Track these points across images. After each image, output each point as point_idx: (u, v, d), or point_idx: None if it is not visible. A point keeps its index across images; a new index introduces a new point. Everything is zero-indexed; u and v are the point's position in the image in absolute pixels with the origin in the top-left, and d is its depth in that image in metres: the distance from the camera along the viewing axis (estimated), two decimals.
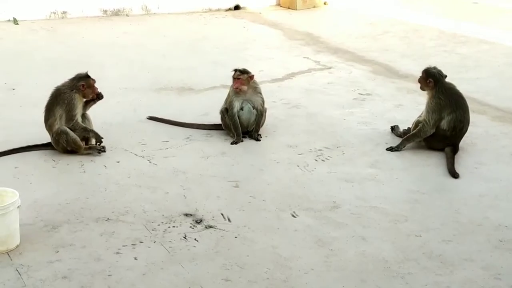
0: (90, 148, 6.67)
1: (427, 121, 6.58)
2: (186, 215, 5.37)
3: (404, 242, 4.99)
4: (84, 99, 6.77)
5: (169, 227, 5.18)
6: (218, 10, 14.81)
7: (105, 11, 14.10)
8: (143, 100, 8.33)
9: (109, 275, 4.52)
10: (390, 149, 6.74)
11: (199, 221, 5.27)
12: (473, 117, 6.89)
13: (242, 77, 7.01)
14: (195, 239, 5.00)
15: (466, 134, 6.71)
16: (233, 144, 6.88)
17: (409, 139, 6.75)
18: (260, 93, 7.13)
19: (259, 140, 6.98)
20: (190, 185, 5.93)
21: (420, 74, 6.78)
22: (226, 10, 14.83)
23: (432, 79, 6.59)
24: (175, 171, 6.22)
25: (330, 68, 10.02)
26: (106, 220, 5.27)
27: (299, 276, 4.54)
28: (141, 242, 4.96)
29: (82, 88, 6.69)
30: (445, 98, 6.55)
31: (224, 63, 10.16)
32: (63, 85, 6.80)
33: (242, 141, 6.94)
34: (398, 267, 4.64)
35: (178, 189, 5.85)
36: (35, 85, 8.91)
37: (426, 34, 12.47)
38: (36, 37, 12.10)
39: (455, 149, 6.55)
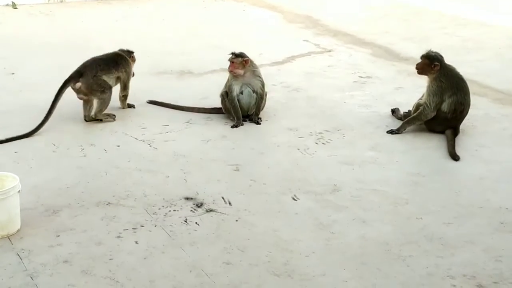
0: (108, 115, 7.11)
1: (428, 104, 6.56)
2: (187, 198, 5.37)
3: (404, 225, 4.99)
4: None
5: (169, 211, 5.17)
6: None
7: None
8: (142, 84, 8.28)
9: (110, 259, 4.52)
10: (391, 132, 6.73)
11: (199, 205, 5.27)
12: (473, 99, 6.87)
13: (236, 60, 6.99)
14: (196, 222, 5.00)
15: (467, 117, 6.70)
16: (234, 127, 6.87)
17: (410, 122, 6.74)
18: (260, 76, 7.10)
19: (259, 124, 6.96)
20: (191, 169, 5.92)
21: (420, 58, 6.73)
22: None
23: (438, 63, 6.55)
24: (176, 155, 6.21)
25: (330, 51, 10.00)
26: (106, 204, 5.27)
27: (300, 259, 4.54)
28: (142, 226, 4.95)
29: (132, 60, 7.49)
30: (446, 80, 6.53)
31: (224, 47, 10.08)
32: (121, 50, 7.52)
33: (242, 124, 6.92)
34: (399, 249, 4.64)
35: (179, 173, 5.84)
36: (34, 70, 8.92)
37: (427, 17, 12.43)
38: (35, 21, 12.07)
39: (455, 132, 6.54)
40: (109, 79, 7.09)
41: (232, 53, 7.09)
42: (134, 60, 7.54)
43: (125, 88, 7.37)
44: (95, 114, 7.00)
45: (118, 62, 7.28)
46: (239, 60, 7.00)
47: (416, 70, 6.77)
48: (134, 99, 7.68)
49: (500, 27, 11.49)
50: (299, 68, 9.08)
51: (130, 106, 7.49)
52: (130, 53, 7.53)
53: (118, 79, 7.26)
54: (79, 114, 7.15)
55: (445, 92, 6.52)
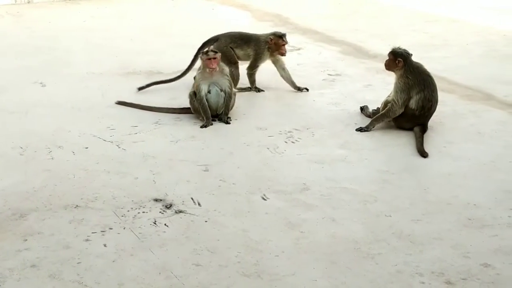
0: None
1: (396, 101, 6.59)
2: (156, 200, 5.34)
3: (374, 223, 5.00)
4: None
5: (138, 212, 5.14)
6: None
7: None
8: (111, 85, 8.26)
9: (78, 263, 4.48)
10: (360, 129, 6.75)
11: (169, 206, 5.24)
12: (441, 96, 6.92)
13: (218, 56, 7.01)
14: (165, 224, 4.98)
15: (435, 113, 6.73)
16: (203, 127, 6.85)
17: (378, 119, 6.76)
18: (227, 75, 7.11)
19: (229, 123, 6.95)
20: (160, 170, 5.89)
21: (388, 55, 6.77)
22: None
23: (401, 59, 6.60)
24: (144, 156, 6.17)
25: (299, 49, 10.00)
26: (75, 207, 5.22)
27: (270, 259, 4.53)
28: (110, 228, 4.92)
29: (269, 42, 7.79)
30: (413, 77, 6.56)
31: (193, 46, 10.04)
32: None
33: (211, 124, 6.91)
34: (368, 248, 4.65)
35: (148, 174, 5.81)
36: (0, 71, 8.80)
37: (396, 14, 12.50)
38: (2, 22, 11.96)
39: (424, 129, 6.58)
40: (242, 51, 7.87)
41: (209, 50, 7.10)
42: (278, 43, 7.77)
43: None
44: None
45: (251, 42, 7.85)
46: (219, 55, 7.06)
47: (385, 67, 6.82)
48: (103, 99, 7.66)
49: (468, 23, 11.58)
50: (268, 67, 9.01)
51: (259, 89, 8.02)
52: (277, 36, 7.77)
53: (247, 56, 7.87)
54: (45, 116, 7.09)
55: (412, 89, 6.56)
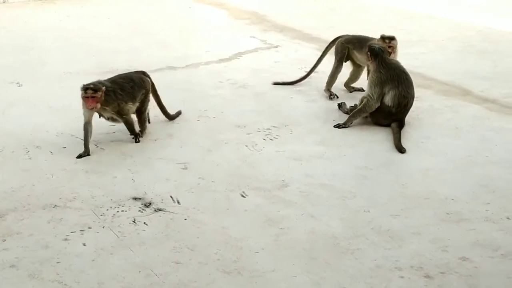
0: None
1: (371, 95, 6.64)
2: (135, 199, 5.33)
3: (352, 218, 5.02)
4: None
5: (117, 211, 5.13)
6: None
7: None
8: None
9: (57, 262, 4.47)
10: (338, 126, 6.78)
11: (148, 205, 5.23)
12: (418, 91, 6.96)
13: (97, 95, 6.08)
14: (144, 222, 4.97)
15: (412, 109, 6.78)
16: (78, 157, 6.13)
17: (355, 115, 6.79)
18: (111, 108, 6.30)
19: (138, 142, 6.47)
20: (138, 169, 5.88)
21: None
22: None
23: (371, 53, 6.67)
24: (123, 155, 6.16)
25: (277, 46, 10.02)
26: (53, 207, 5.20)
27: (250, 256, 4.54)
28: (89, 227, 4.90)
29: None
30: (386, 72, 6.61)
31: (170, 44, 10.11)
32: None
33: (88, 155, 6.19)
34: (348, 243, 4.68)
35: (126, 173, 5.79)
36: None
37: (372, 11, 12.55)
38: None
39: (401, 124, 6.62)
40: None
41: (87, 87, 6.11)
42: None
43: None
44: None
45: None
46: (99, 94, 6.08)
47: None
48: (80, 99, 7.60)
49: (444, 19, 11.66)
50: (246, 65, 9.08)
51: None
52: None
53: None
54: (22, 116, 7.05)
55: (386, 84, 6.60)
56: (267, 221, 4.99)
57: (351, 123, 6.78)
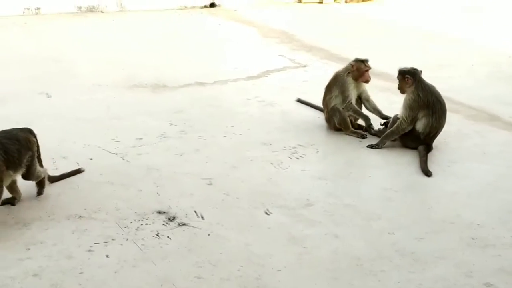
0: (355, 132, 7.13)
1: (405, 118, 6.61)
2: (159, 212, 5.34)
3: (376, 240, 4.99)
4: (355, 81, 7.18)
5: (141, 224, 5.14)
6: (194, 7, 14.80)
7: (80, 8, 14.02)
8: (116, 97, 8.28)
9: (80, 273, 4.48)
10: (371, 146, 6.75)
11: (172, 219, 5.24)
12: (447, 115, 6.91)
13: None
14: (167, 236, 4.97)
15: (440, 133, 6.74)
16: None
17: (388, 136, 6.76)
18: None
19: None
20: (164, 183, 5.89)
21: (397, 78, 6.79)
22: (202, 8, 14.82)
23: (409, 75, 6.62)
24: (149, 169, 6.18)
25: (305, 66, 10.04)
26: (78, 218, 5.22)
27: (272, 273, 4.52)
28: (113, 239, 4.91)
29: (352, 69, 7.13)
30: (424, 96, 6.56)
31: (199, 60, 10.17)
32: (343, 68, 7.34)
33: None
34: (371, 264, 4.64)
35: (151, 187, 5.81)
36: (6, 81, 8.85)
37: (399, 33, 12.54)
38: (9, 33, 12.00)
39: (428, 148, 6.58)
40: (332, 100, 7.21)
41: None
42: (356, 69, 7.13)
43: (343, 100, 7.16)
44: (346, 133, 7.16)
45: (335, 80, 7.28)
46: None
47: (399, 91, 6.83)
48: (108, 112, 7.67)
49: (472, 43, 11.62)
50: (274, 83, 9.10)
51: (358, 133, 7.15)
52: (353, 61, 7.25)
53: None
54: (50, 127, 7.10)
55: (421, 109, 6.56)
56: (290, 240, 4.97)
57: (384, 144, 6.75)
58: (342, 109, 7.11)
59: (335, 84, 7.22)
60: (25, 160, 5.32)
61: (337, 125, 7.15)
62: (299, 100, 8.12)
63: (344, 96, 7.13)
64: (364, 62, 7.17)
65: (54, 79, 8.99)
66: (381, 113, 7.26)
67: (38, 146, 5.58)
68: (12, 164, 5.18)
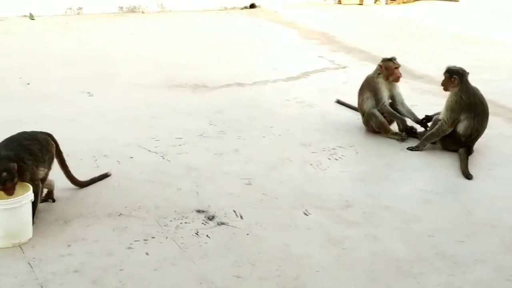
0: (395, 133, 7.03)
1: (446, 120, 6.56)
2: (198, 211, 5.37)
3: (416, 242, 4.97)
4: (386, 81, 7.11)
5: (181, 223, 5.18)
6: (234, 8, 14.83)
7: (121, 8, 14.14)
8: (156, 97, 8.34)
9: (120, 270, 4.52)
10: (411, 148, 6.71)
11: (211, 218, 5.27)
12: (488, 118, 6.85)
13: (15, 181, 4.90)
14: (207, 235, 5.00)
15: (481, 136, 6.68)
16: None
17: (429, 138, 6.72)
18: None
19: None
20: (203, 182, 5.93)
21: (439, 75, 6.73)
22: (242, 9, 14.85)
23: (456, 76, 6.56)
24: (188, 168, 6.21)
25: (345, 67, 10.01)
26: (118, 215, 5.27)
27: (310, 274, 4.53)
28: (153, 237, 4.95)
29: (380, 69, 7.07)
30: (467, 98, 6.51)
31: (239, 61, 10.19)
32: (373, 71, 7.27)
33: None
34: (410, 266, 4.62)
35: (191, 186, 5.84)
36: (49, 80, 8.96)
37: (440, 35, 12.44)
38: (52, 32, 12.14)
39: (469, 151, 6.52)
40: (365, 103, 7.16)
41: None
42: (385, 68, 7.06)
43: (377, 103, 7.08)
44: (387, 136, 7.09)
45: (367, 83, 7.19)
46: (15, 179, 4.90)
47: (441, 86, 6.77)
48: (148, 111, 7.73)
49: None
50: (313, 84, 9.09)
51: (398, 134, 7.03)
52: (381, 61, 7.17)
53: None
54: (92, 125, 7.19)
55: (463, 111, 6.50)
56: (329, 240, 4.97)
57: (424, 146, 6.70)
58: (378, 111, 7.04)
59: (366, 87, 7.19)
60: (47, 159, 5.31)
61: (376, 129, 7.10)
62: (338, 101, 8.09)
63: (377, 99, 7.07)
64: (392, 60, 7.13)
65: (96, 79, 9.08)
66: (415, 116, 7.18)
67: (60, 152, 5.57)
68: (40, 163, 5.19)
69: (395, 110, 7.12)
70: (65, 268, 4.53)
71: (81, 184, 5.74)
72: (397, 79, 7.12)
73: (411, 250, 4.84)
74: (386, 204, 5.56)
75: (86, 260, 4.63)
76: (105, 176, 5.94)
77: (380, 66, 7.12)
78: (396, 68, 7.08)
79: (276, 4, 15.04)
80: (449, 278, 4.49)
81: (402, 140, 6.94)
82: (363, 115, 7.21)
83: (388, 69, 7.07)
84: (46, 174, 5.31)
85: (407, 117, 7.16)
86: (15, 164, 4.86)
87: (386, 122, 7.06)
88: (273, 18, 13.95)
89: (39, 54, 10.38)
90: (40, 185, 5.22)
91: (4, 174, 4.79)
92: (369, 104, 7.11)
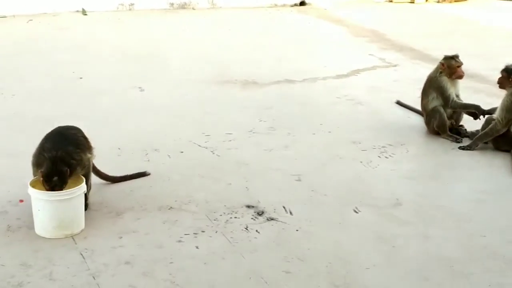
0: (451, 135, 6.92)
1: (500, 120, 6.46)
2: (248, 206, 5.38)
3: (468, 242, 4.91)
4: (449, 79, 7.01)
5: (230, 217, 5.19)
6: (284, 5, 14.83)
7: (172, 4, 14.25)
8: (207, 92, 8.38)
9: (170, 263, 4.56)
10: (463, 148, 6.63)
11: (260, 213, 5.27)
12: None
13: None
14: (256, 230, 5.01)
15: None
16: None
17: (481, 138, 6.63)
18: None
19: None
20: (252, 177, 5.94)
21: (491, 74, 6.64)
22: (292, 6, 14.84)
23: None
24: (238, 163, 6.23)
25: (395, 65, 9.93)
26: (169, 209, 5.31)
27: (360, 271, 4.51)
28: (203, 231, 4.98)
29: (442, 67, 6.98)
30: None
31: (289, 58, 10.19)
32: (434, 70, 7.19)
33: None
34: (462, 267, 4.57)
35: (241, 181, 5.86)
36: (101, 75, 9.06)
37: (493, 34, 12.26)
38: (104, 28, 12.29)
39: None
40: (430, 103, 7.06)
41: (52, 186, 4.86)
42: (447, 67, 6.96)
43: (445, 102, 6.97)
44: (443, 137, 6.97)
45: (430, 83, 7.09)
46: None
47: (498, 84, 6.69)
48: (199, 106, 7.77)
49: None
50: (363, 82, 9.05)
51: (453, 136, 6.93)
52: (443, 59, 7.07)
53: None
54: (143, 120, 7.26)
55: None
56: (379, 238, 4.94)
57: (477, 146, 6.62)
58: (442, 108, 6.95)
59: (431, 87, 7.08)
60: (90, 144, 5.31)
61: (435, 128, 6.98)
62: (398, 102, 7.98)
63: (445, 97, 6.97)
64: (454, 58, 7.02)
65: (147, 74, 9.16)
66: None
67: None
68: (87, 150, 5.24)
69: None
70: (116, 259, 4.58)
71: (114, 180, 5.73)
72: (460, 77, 7.03)
73: (462, 250, 4.79)
74: (437, 203, 5.51)
75: (137, 252, 4.68)
76: (143, 174, 5.91)
77: (442, 64, 7.03)
78: (459, 66, 6.98)
79: (326, 2, 14.99)
80: (501, 279, 4.43)
81: (457, 142, 6.82)
82: (426, 114, 7.11)
83: (451, 67, 6.98)
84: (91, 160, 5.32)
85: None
86: (68, 169, 4.88)
87: (447, 123, 6.92)
88: (323, 16, 13.91)
89: (91, 49, 10.51)
90: (91, 173, 5.32)
91: (55, 178, 4.83)
92: (435, 104, 7.00)
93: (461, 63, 6.98)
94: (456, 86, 7.08)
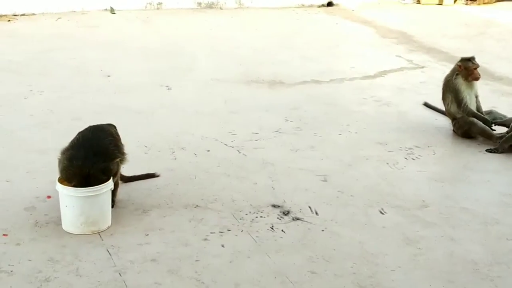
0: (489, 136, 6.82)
1: None
2: (274, 206, 5.40)
3: (494, 245, 4.89)
4: (465, 81, 6.99)
5: (256, 217, 5.21)
6: (311, 6, 14.77)
7: (200, 4, 14.25)
8: (233, 92, 8.39)
9: (196, 261, 4.59)
10: (490, 150, 6.60)
11: (286, 213, 5.29)
12: None
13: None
14: (282, 230, 5.02)
15: None
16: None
17: (508, 141, 6.59)
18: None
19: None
20: (278, 177, 5.95)
21: None
22: (319, 7, 14.78)
23: None
24: (264, 163, 6.25)
25: (422, 67, 9.88)
26: (195, 207, 5.34)
27: (386, 272, 4.51)
28: (228, 230, 5.01)
29: (459, 69, 6.96)
30: None
31: (316, 59, 10.16)
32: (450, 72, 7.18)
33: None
34: (488, 269, 4.56)
35: (267, 180, 5.87)
36: (129, 73, 9.09)
37: None
38: (132, 26, 12.32)
39: None
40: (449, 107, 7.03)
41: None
42: (464, 68, 6.96)
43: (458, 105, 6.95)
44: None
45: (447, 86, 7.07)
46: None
47: None
48: (225, 105, 7.80)
49: None
50: (390, 83, 9.01)
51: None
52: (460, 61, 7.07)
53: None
54: (170, 118, 7.29)
55: None
56: (405, 240, 4.94)
57: (503, 149, 6.58)
58: (460, 114, 6.92)
59: (447, 90, 7.07)
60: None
61: (476, 135, 6.91)
62: (426, 104, 7.93)
63: (458, 100, 6.95)
64: (471, 60, 7.00)
65: (174, 73, 9.18)
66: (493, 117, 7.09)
67: None
68: (122, 154, 5.33)
69: (477, 110, 7.00)
70: (142, 256, 4.62)
71: (124, 179, 5.67)
72: (476, 79, 6.99)
73: (489, 253, 4.77)
74: (464, 206, 5.49)
75: (163, 249, 4.71)
76: (152, 176, 5.86)
77: (458, 66, 7.00)
78: (475, 68, 6.94)
79: (353, 3, 14.93)
80: None
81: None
82: (452, 119, 7.07)
83: (467, 69, 6.95)
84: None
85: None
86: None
87: (486, 128, 6.85)
88: (350, 17, 13.86)
89: (119, 47, 10.55)
90: (119, 172, 5.35)
91: (105, 178, 4.92)
92: (455, 107, 6.98)
93: (478, 65, 6.96)
94: (473, 88, 7.04)
